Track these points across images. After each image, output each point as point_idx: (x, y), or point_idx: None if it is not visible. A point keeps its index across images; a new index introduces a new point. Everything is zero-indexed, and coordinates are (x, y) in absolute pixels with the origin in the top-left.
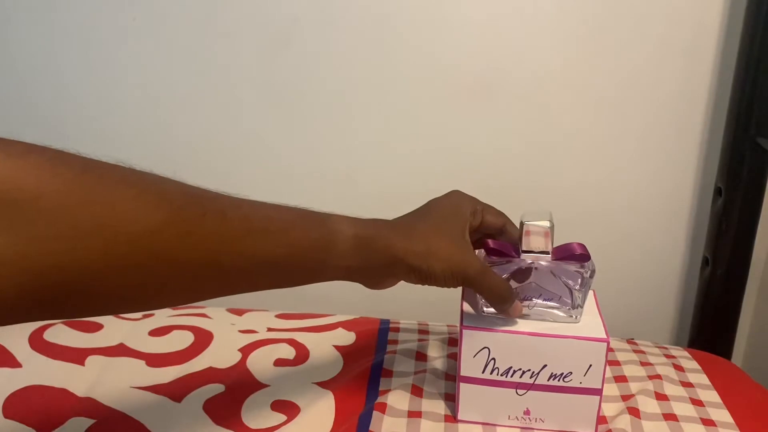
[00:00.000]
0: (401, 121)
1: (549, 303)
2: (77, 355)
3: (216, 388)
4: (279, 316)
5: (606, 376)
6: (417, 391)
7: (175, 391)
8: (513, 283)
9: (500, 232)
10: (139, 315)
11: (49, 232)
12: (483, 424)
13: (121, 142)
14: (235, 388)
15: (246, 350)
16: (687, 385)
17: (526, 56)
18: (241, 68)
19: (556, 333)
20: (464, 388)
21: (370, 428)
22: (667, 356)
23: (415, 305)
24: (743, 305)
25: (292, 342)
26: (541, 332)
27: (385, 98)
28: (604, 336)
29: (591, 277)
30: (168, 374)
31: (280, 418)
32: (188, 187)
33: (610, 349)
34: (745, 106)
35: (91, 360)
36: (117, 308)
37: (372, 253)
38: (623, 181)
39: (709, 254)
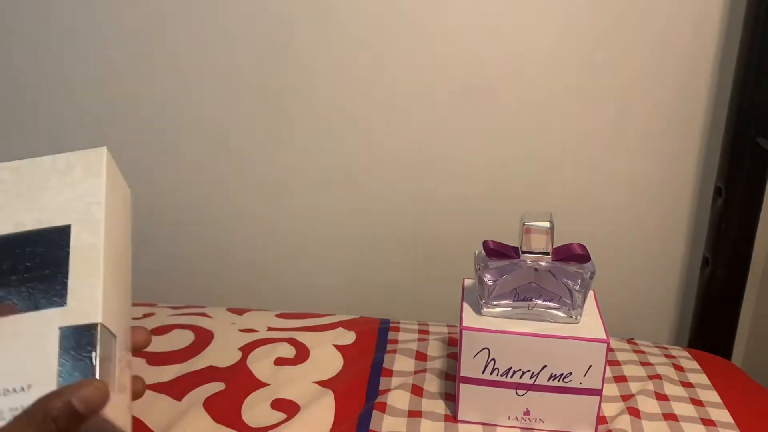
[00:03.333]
0: (401, 121)
1: (549, 303)
2: None
3: (216, 387)
4: (279, 316)
5: (606, 376)
6: (417, 391)
7: (176, 390)
8: (513, 284)
9: None
10: (139, 314)
11: None
12: (483, 424)
13: (121, 143)
14: (236, 387)
15: (246, 349)
16: (687, 385)
17: (526, 57)
18: (241, 68)
19: (556, 333)
20: (464, 389)
21: (370, 427)
22: (667, 356)
23: (415, 305)
24: (743, 305)
25: (292, 341)
26: (540, 333)
27: (386, 99)
28: (604, 336)
29: (591, 277)
30: (168, 372)
31: (280, 416)
32: None
33: (610, 350)
34: (745, 106)
35: None
36: None
37: None
38: (623, 182)
39: (709, 254)
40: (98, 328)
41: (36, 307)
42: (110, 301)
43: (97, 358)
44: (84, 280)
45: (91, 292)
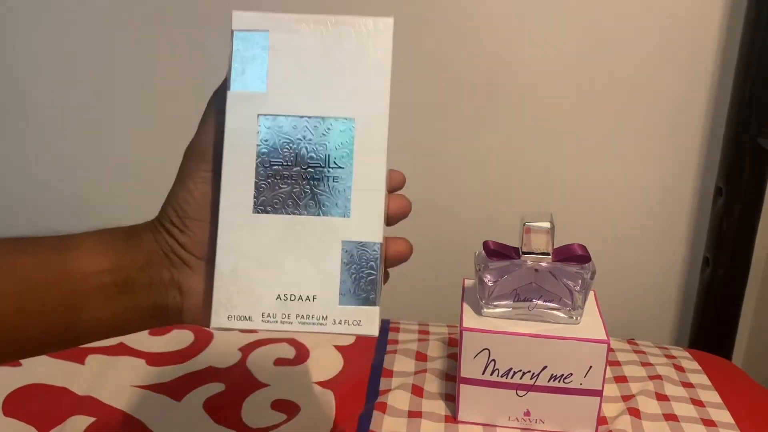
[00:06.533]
0: (402, 121)
1: (549, 304)
2: (77, 354)
3: (216, 387)
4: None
5: (606, 376)
6: (417, 391)
7: (176, 390)
8: (513, 284)
9: None
10: None
11: None
12: (483, 425)
13: (121, 142)
14: (235, 388)
15: (246, 349)
16: (687, 385)
17: (527, 57)
18: None
19: (557, 334)
20: (464, 389)
21: (371, 428)
22: (668, 356)
23: (415, 305)
24: (743, 305)
25: (292, 341)
26: (541, 333)
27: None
28: (605, 337)
29: (591, 278)
30: (168, 373)
31: (280, 417)
32: None
33: (610, 350)
34: (745, 106)
35: (91, 359)
36: None
37: None
38: (623, 181)
39: (709, 254)
40: (379, 249)
41: (320, 212)
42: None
43: (379, 280)
44: (367, 191)
45: (374, 206)
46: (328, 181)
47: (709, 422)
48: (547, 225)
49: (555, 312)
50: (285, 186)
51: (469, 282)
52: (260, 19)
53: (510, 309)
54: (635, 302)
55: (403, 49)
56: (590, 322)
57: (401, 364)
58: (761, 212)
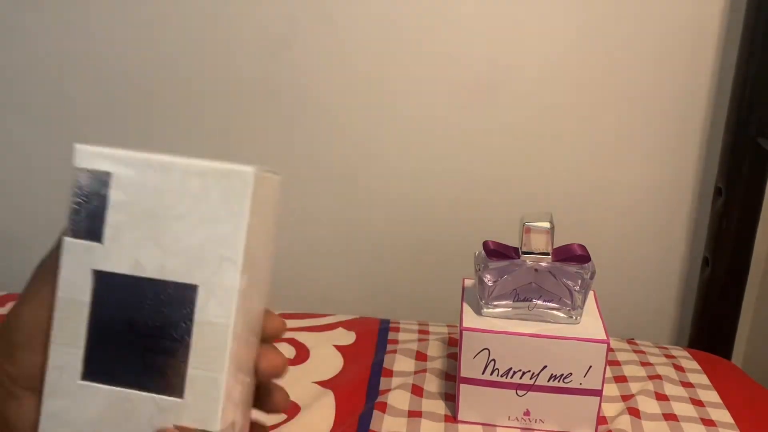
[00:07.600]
0: (402, 120)
1: (549, 304)
2: None
3: None
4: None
5: (606, 376)
6: (417, 391)
7: None
8: (513, 284)
9: None
10: None
11: None
12: (483, 424)
13: (121, 143)
14: None
15: None
16: (687, 385)
17: (527, 56)
18: (242, 69)
19: (556, 334)
20: (464, 389)
21: (371, 428)
22: (667, 356)
23: (415, 305)
24: (743, 305)
25: (292, 341)
26: (541, 333)
27: (386, 98)
28: (604, 337)
29: (591, 278)
30: None
31: (280, 417)
32: None
33: (610, 350)
34: (745, 106)
35: None
36: None
37: None
38: (623, 181)
39: (709, 254)
40: None
41: (152, 390)
42: (233, 390)
43: None
44: (206, 371)
45: (212, 389)
46: (162, 355)
47: (708, 422)
48: (547, 225)
49: (555, 312)
50: (117, 355)
51: (469, 282)
52: (104, 157)
53: (510, 309)
54: (635, 302)
55: (403, 50)
56: (590, 322)
57: (401, 363)
58: (761, 212)
